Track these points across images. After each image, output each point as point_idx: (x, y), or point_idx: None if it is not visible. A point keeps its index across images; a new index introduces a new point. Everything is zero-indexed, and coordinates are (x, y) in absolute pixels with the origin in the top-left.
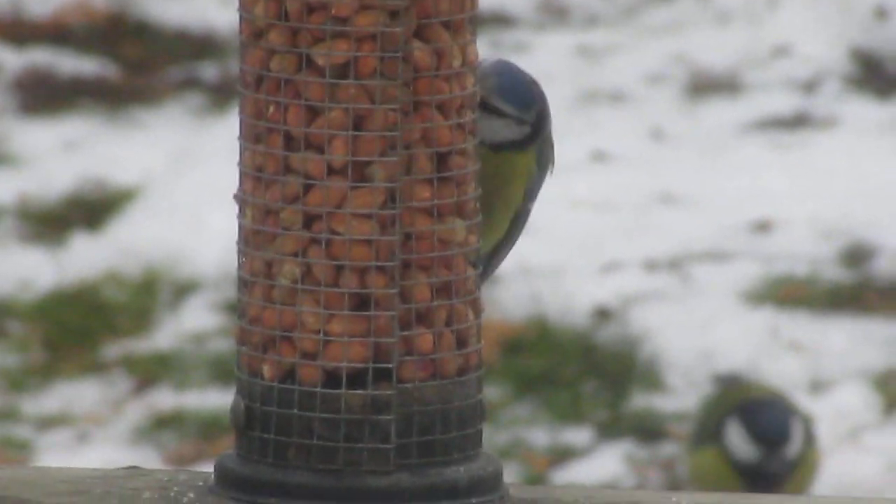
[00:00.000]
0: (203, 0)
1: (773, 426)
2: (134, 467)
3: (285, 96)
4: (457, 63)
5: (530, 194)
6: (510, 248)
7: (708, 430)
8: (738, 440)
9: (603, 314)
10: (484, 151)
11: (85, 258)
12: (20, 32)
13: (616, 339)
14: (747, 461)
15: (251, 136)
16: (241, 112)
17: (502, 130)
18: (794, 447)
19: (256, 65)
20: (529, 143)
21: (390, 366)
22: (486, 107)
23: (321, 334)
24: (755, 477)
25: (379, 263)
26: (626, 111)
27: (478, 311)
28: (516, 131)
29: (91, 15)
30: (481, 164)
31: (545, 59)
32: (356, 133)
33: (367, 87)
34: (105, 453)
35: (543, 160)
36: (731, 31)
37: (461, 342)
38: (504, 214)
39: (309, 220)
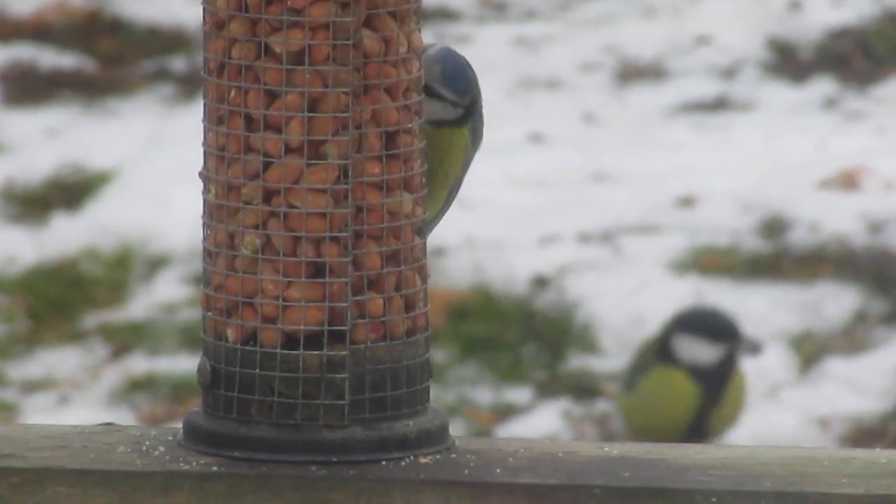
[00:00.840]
0: None
1: (723, 321)
2: (109, 423)
3: (245, 81)
4: (403, 49)
5: (465, 166)
6: (444, 214)
7: (645, 364)
8: (692, 348)
9: (541, 282)
10: (426, 128)
11: (64, 236)
12: (3, 30)
13: (553, 305)
14: (708, 362)
15: (214, 119)
16: (205, 97)
17: (440, 112)
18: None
19: (219, 53)
20: (464, 122)
21: (344, 328)
22: (429, 91)
23: (280, 300)
24: (717, 379)
25: (333, 234)
26: (561, 97)
27: (424, 276)
28: (451, 112)
29: (69, 13)
30: (424, 141)
31: (486, 50)
32: (311, 114)
33: (320, 73)
34: (84, 414)
35: (477, 136)
36: (656, 23)
37: (409, 306)
38: (443, 185)
39: (268, 195)
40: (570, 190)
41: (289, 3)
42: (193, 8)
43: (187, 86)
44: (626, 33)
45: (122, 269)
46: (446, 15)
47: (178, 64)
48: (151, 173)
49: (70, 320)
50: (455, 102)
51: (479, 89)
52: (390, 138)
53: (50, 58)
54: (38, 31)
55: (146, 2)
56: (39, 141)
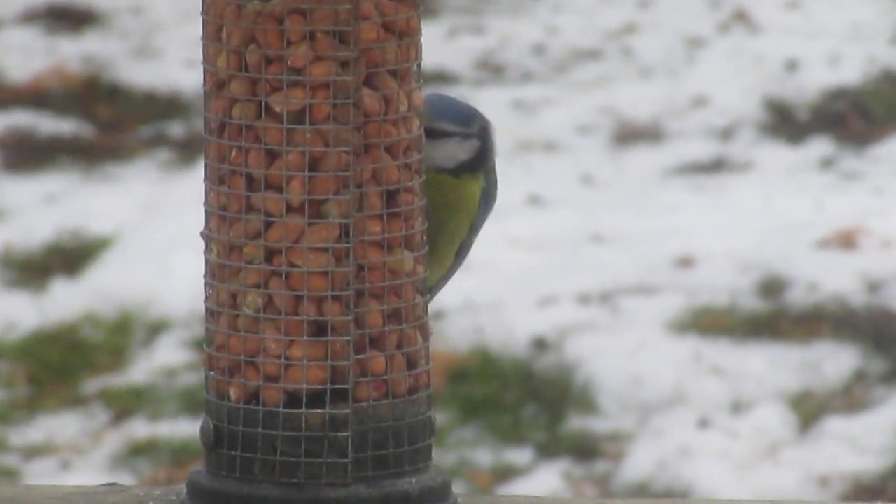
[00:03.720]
0: (169, 64)
1: None
2: (113, 484)
3: (246, 141)
4: (403, 108)
5: (475, 228)
6: (452, 276)
7: None
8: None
9: (540, 344)
10: (435, 178)
11: (65, 301)
12: (2, 96)
13: (553, 366)
14: None
15: (215, 178)
16: (206, 156)
17: (453, 150)
18: None
19: (219, 113)
20: (480, 165)
21: (346, 387)
22: (432, 133)
23: (283, 359)
24: None
25: (334, 293)
26: (559, 159)
27: (426, 334)
28: (466, 147)
29: (67, 79)
30: (433, 194)
31: (484, 112)
32: (312, 174)
33: (321, 132)
34: (85, 479)
35: (488, 195)
36: (653, 85)
37: (411, 364)
38: (450, 248)
39: (270, 254)
40: (568, 251)
41: (289, 62)
42: (190, 73)
43: (185, 150)
44: (623, 95)
45: (122, 334)
46: (444, 78)
47: (175, 129)
48: (151, 238)
49: (71, 385)
50: (463, 133)
51: (493, 135)
52: (391, 197)
53: (48, 124)
54: (36, 97)
55: (143, 67)
56: (38, 207)
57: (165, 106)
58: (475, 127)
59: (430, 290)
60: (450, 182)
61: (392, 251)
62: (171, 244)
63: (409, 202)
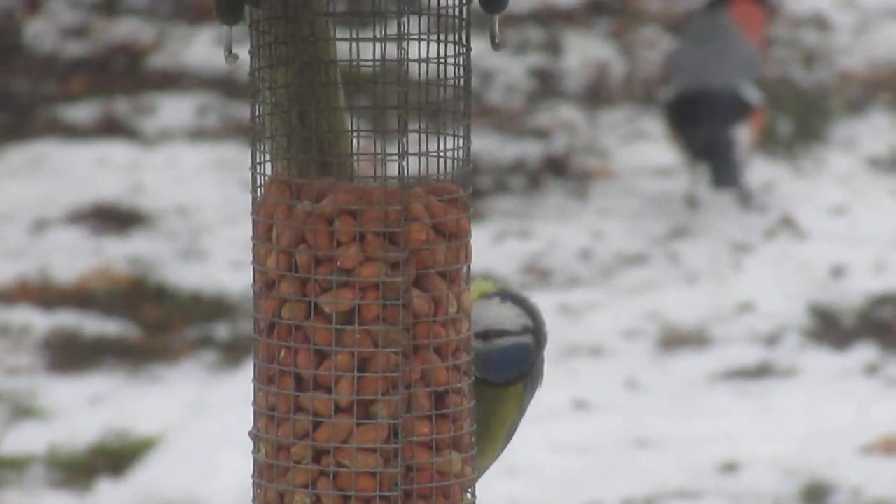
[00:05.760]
0: (216, 266)
1: None
2: None
3: (295, 341)
4: (452, 310)
5: (521, 413)
6: (501, 454)
7: None
8: None
9: None
10: (482, 387)
11: (110, 502)
12: (47, 296)
13: None
14: None
15: (264, 378)
16: (255, 356)
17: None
18: None
19: (269, 312)
20: (522, 378)
21: None
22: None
23: None
24: None
25: (382, 493)
26: (604, 363)
27: None
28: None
29: (113, 280)
30: (478, 393)
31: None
32: (361, 374)
33: (370, 332)
34: None
35: (531, 386)
36: (698, 290)
37: None
38: (500, 433)
39: (318, 454)
40: (612, 455)
41: (339, 263)
42: (236, 274)
43: (230, 352)
44: (669, 300)
45: None
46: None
47: (221, 330)
48: (196, 439)
49: None
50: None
51: (543, 345)
52: (440, 398)
53: (94, 324)
54: (82, 297)
55: (189, 269)
56: (83, 407)
57: (211, 307)
58: (516, 376)
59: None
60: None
61: (440, 452)
62: (216, 445)
63: (458, 403)
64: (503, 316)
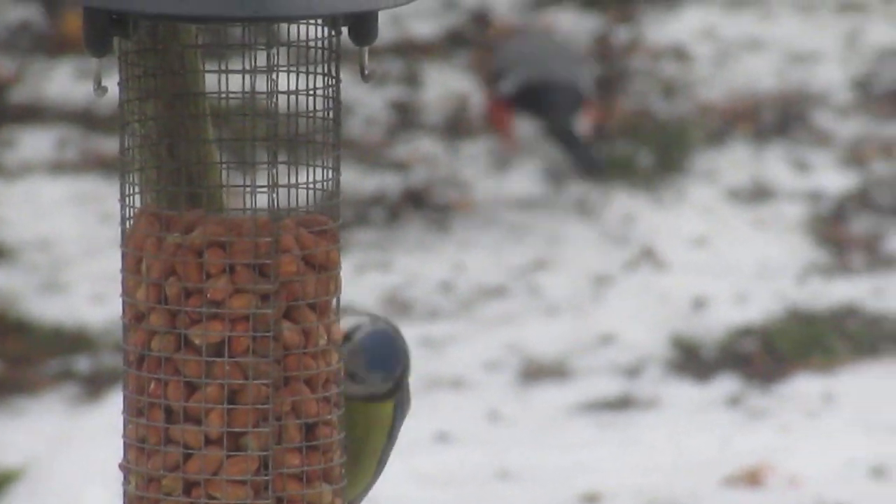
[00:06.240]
0: (77, 299)
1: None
2: None
3: (165, 373)
4: (322, 341)
5: (391, 439)
6: (373, 485)
7: None
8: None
9: None
10: (351, 403)
11: None
12: None
13: None
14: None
15: (134, 410)
16: (125, 388)
17: (370, 389)
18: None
19: (139, 345)
20: (392, 394)
21: None
22: (355, 378)
23: None
24: None
25: None
26: (466, 396)
27: None
28: (381, 388)
29: None
30: (350, 414)
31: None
32: (231, 406)
33: (240, 364)
34: None
35: (401, 410)
36: (559, 322)
37: None
38: (371, 460)
39: (188, 487)
40: (475, 488)
41: (209, 294)
42: (97, 307)
43: (92, 385)
44: (530, 332)
45: None
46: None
47: (82, 363)
48: (60, 472)
49: None
50: (383, 384)
51: (409, 362)
52: (310, 430)
53: None
54: None
55: (50, 302)
56: None
57: (72, 340)
58: (395, 375)
59: (353, 502)
60: (363, 407)
61: (311, 484)
62: (80, 478)
63: (328, 435)
64: (352, 319)
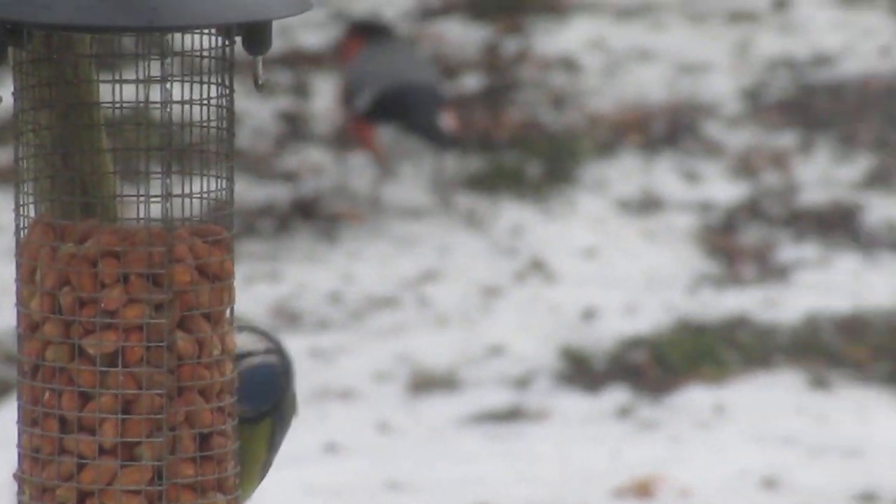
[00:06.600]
0: None
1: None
2: None
3: (59, 383)
4: (216, 351)
5: (273, 449)
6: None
7: None
8: None
9: None
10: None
11: None
12: None
13: None
14: None
15: (28, 420)
16: (19, 398)
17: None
18: None
19: (33, 355)
20: (262, 419)
21: None
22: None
23: None
24: None
25: None
26: (355, 406)
27: None
28: (251, 415)
29: None
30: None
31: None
32: (125, 416)
33: (134, 374)
34: None
35: (281, 423)
36: (448, 333)
37: None
38: (254, 469)
39: (82, 497)
40: (364, 499)
41: (103, 305)
42: None
43: None
44: (419, 343)
45: None
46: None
47: None
48: None
49: None
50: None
51: (291, 380)
52: (204, 440)
53: None
54: None
55: None
56: None
57: None
58: (267, 408)
59: None
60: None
61: (205, 494)
62: None
63: (222, 445)
64: (245, 340)
